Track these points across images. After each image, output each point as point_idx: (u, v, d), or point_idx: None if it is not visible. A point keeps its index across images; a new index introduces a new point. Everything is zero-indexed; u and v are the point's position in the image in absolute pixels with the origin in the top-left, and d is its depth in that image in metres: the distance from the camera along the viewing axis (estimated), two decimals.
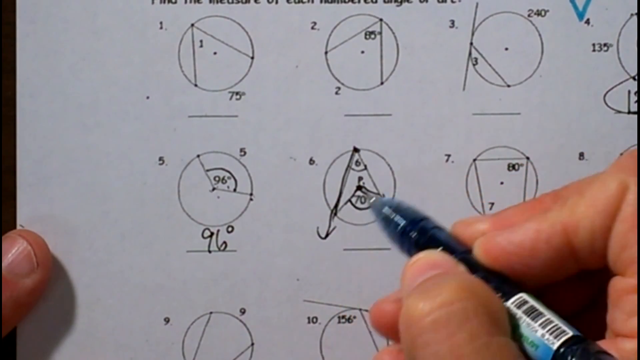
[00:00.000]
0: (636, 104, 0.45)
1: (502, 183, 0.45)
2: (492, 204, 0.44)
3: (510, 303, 0.35)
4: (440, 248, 0.37)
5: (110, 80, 0.44)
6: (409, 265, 0.37)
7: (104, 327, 0.44)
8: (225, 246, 0.44)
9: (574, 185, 0.37)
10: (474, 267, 0.36)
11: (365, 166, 0.44)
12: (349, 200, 0.44)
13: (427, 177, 0.44)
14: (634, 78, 0.45)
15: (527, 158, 0.44)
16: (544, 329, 0.34)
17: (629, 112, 0.45)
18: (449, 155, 0.44)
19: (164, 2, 0.44)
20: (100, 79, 0.44)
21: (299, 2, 0.44)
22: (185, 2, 0.44)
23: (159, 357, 0.44)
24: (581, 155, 0.44)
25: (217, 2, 0.44)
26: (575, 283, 0.36)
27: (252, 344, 0.44)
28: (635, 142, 0.44)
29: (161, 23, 0.44)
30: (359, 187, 0.44)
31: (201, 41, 0.44)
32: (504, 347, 0.33)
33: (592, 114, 0.44)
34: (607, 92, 0.44)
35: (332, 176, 0.44)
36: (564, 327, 0.34)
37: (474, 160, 0.44)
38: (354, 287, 0.44)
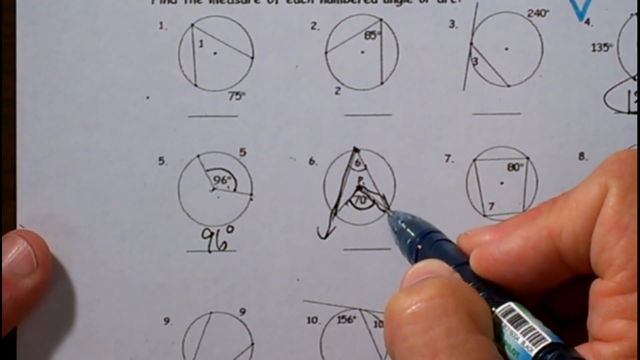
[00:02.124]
0: (636, 104, 0.45)
1: (502, 183, 0.45)
2: (492, 204, 0.44)
3: (497, 311, 0.36)
4: (440, 259, 0.38)
5: (110, 80, 0.44)
6: (408, 271, 0.38)
7: (104, 327, 0.44)
8: (225, 246, 0.44)
9: (567, 192, 0.37)
10: (467, 278, 0.37)
11: (365, 166, 0.44)
12: (349, 200, 0.44)
13: (427, 177, 0.44)
14: (634, 78, 0.45)
15: (527, 158, 0.44)
16: (524, 337, 0.35)
17: (629, 112, 0.45)
18: (449, 155, 0.44)
19: (164, 2, 0.44)
20: (100, 79, 0.44)
21: (299, 2, 0.44)
22: (185, 2, 0.44)
23: (159, 357, 0.44)
24: (581, 155, 0.44)
25: (217, 2, 0.44)
26: (578, 289, 0.36)
27: (252, 344, 0.44)
28: (635, 142, 0.44)
29: (161, 23, 0.44)
30: (359, 187, 0.44)
31: (201, 41, 0.44)
32: (481, 345, 0.34)
33: (592, 114, 0.44)
34: (607, 92, 0.44)
35: (332, 176, 0.44)
36: (544, 335, 0.35)
37: (474, 160, 0.44)
38: (354, 287, 0.44)
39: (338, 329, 0.44)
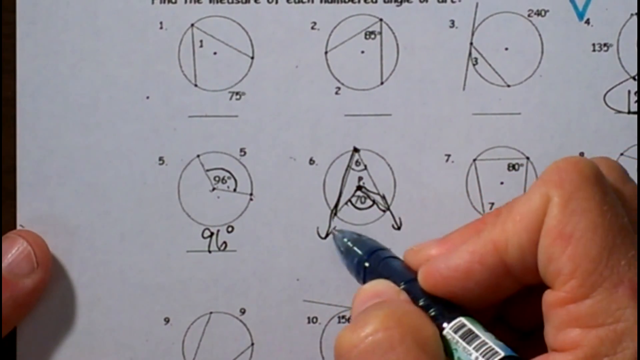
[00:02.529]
0: (636, 104, 0.45)
1: (502, 183, 0.45)
2: (492, 204, 0.44)
3: (448, 328, 0.35)
4: (388, 277, 0.38)
5: (110, 80, 0.44)
6: (356, 295, 0.38)
7: (104, 327, 0.44)
8: (225, 246, 0.44)
9: (509, 202, 0.37)
10: (417, 294, 0.37)
11: (365, 166, 0.44)
12: (349, 200, 0.44)
13: (427, 177, 0.44)
14: (634, 78, 0.45)
15: (527, 158, 0.44)
16: (477, 352, 0.35)
17: (629, 112, 0.45)
18: (449, 155, 0.44)
19: (164, 2, 0.44)
20: (100, 79, 0.44)
21: (299, 2, 0.44)
22: (185, 2, 0.44)
23: (159, 357, 0.44)
24: (581, 155, 0.44)
25: (217, 2, 0.44)
26: (533, 300, 0.36)
27: (252, 344, 0.44)
28: (635, 142, 0.44)
29: (161, 23, 0.44)
30: (359, 187, 0.44)
31: (201, 41, 0.44)
32: None
33: (592, 114, 0.44)
34: (607, 92, 0.44)
35: (332, 176, 0.44)
36: (497, 349, 0.34)
37: (474, 160, 0.44)
38: (354, 287, 0.44)
39: (338, 329, 0.44)
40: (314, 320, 0.44)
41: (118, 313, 0.44)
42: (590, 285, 0.33)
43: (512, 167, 0.44)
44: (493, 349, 0.34)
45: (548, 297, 0.34)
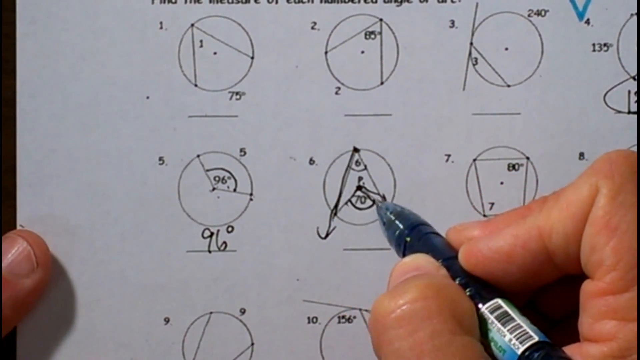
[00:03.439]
0: (636, 104, 0.45)
1: (502, 183, 0.45)
2: (492, 204, 0.44)
3: (484, 308, 0.36)
4: (428, 253, 0.38)
5: (110, 80, 0.44)
6: (395, 267, 0.38)
7: (104, 327, 0.44)
8: (225, 246, 0.44)
9: (556, 191, 0.37)
10: (456, 272, 0.37)
11: (365, 166, 0.44)
12: (349, 200, 0.44)
13: (427, 177, 0.44)
14: (634, 78, 0.45)
15: (527, 158, 0.44)
16: (511, 334, 0.35)
17: (629, 112, 0.45)
18: (449, 155, 0.44)
19: (164, 2, 0.44)
20: (100, 79, 0.44)
21: (299, 2, 0.44)
22: (185, 2, 0.44)
23: (159, 357, 0.44)
24: (581, 155, 0.44)
25: (217, 2, 0.44)
26: (567, 289, 0.36)
27: (252, 344, 0.44)
28: (635, 142, 0.44)
29: (161, 23, 0.44)
30: (359, 187, 0.44)
31: (201, 41, 0.44)
32: (466, 345, 0.34)
33: (592, 114, 0.44)
34: (607, 92, 0.44)
35: (332, 176, 0.44)
36: (532, 333, 0.35)
37: (474, 160, 0.44)
38: (354, 287, 0.44)
39: (338, 329, 0.44)
40: (314, 320, 0.44)
41: (118, 313, 0.44)
42: (631, 279, 0.33)
43: (512, 167, 0.44)
44: (527, 332, 0.35)
45: (587, 286, 0.34)
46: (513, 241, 0.36)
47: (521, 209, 0.39)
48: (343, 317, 0.44)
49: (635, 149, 0.44)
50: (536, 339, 0.34)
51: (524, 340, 0.34)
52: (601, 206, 0.34)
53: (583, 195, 0.35)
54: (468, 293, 0.36)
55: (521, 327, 0.35)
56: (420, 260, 0.38)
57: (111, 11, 0.44)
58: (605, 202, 0.34)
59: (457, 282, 0.37)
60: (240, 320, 0.44)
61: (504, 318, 0.35)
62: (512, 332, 0.35)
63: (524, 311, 0.36)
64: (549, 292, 0.38)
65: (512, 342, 0.34)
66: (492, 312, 0.36)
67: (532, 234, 0.36)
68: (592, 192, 0.34)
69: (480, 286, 0.37)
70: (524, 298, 0.38)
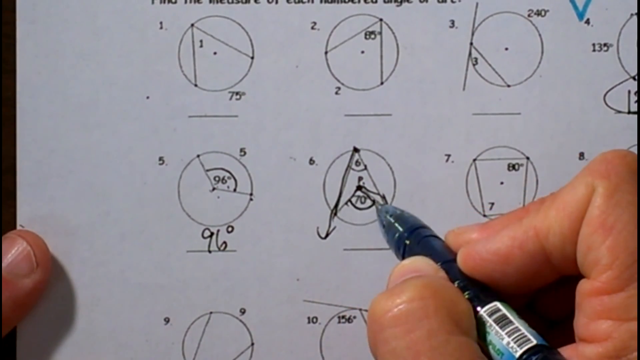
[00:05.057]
0: (636, 104, 0.45)
1: (502, 183, 0.45)
2: (492, 204, 0.44)
3: (483, 311, 0.36)
4: (427, 256, 0.38)
5: (110, 80, 0.44)
6: (394, 269, 0.38)
7: (104, 327, 0.44)
8: (225, 246, 0.44)
9: (554, 192, 0.37)
10: (455, 274, 0.37)
11: (365, 166, 0.44)
12: (349, 200, 0.44)
13: (427, 177, 0.44)
14: (634, 78, 0.45)
15: (527, 158, 0.44)
16: (509, 337, 0.35)
17: (629, 112, 0.45)
18: (449, 155, 0.44)
19: (164, 2, 0.44)
20: (100, 79, 0.44)
21: (299, 2, 0.44)
22: (185, 2, 0.44)
23: (159, 357, 0.44)
24: (581, 155, 0.44)
25: (217, 2, 0.44)
26: (565, 290, 0.36)
27: (252, 344, 0.44)
28: (635, 142, 0.44)
29: (161, 23, 0.44)
30: (359, 187, 0.44)
31: (201, 41, 0.44)
32: (463, 345, 0.34)
33: (592, 114, 0.44)
34: (607, 92, 0.44)
35: (332, 176, 0.44)
36: (529, 336, 0.35)
37: (474, 160, 0.44)
38: (354, 287, 0.44)
39: (338, 329, 0.44)
40: (314, 320, 0.44)
41: (118, 313, 0.44)
42: (626, 278, 0.33)
43: (512, 167, 0.44)
44: (526, 336, 0.35)
45: (583, 286, 0.34)
46: (510, 243, 0.36)
47: (519, 210, 0.39)
48: (343, 317, 0.44)
49: (635, 149, 0.44)
50: (534, 342, 0.34)
51: (522, 344, 0.34)
52: (597, 206, 0.34)
53: (579, 195, 0.35)
54: (467, 296, 0.36)
55: (519, 330, 0.35)
56: (419, 263, 0.38)
57: (111, 11, 0.44)
58: (601, 201, 0.34)
59: (455, 284, 0.37)
60: (240, 320, 0.44)
61: (502, 321, 0.35)
62: (510, 335, 0.35)
63: (523, 313, 0.36)
64: (548, 294, 0.38)
65: (510, 345, 0.34)
66: (490, 315, 0.36)
67: (529, 235, 0.36)
68: (588, 192, 0.34)
69: (478, 289, 0.37)
70: (522, 300, 0.38)
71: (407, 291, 0.35)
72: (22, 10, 0.43)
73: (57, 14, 0.43)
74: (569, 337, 0.35)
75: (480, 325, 0.36)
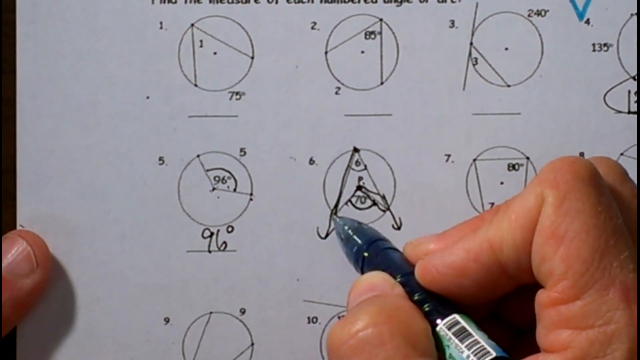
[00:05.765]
0: (636, 104, 0.45)
1: (502, 183, 0.45)
2: (492, 204, 0.44)
3: (442, 324, 0.36)
4: (386, 268, 0.39)
5: (110, 80, 0.44)
6: (352, 287, 0.38)
7: (104, 327, 0.44)
8: (225, 246, 0.44)
9: (507, 200, 0.37)
10: (413, 288, 0.37)
11: (365, 166, 0.44)
12: (349, 200, 0.44)
13: (427, 177, 0.44)
14: (634, 78, 0.45)
15: (527, 158, 0.44)
16: (469, 350, 0.35)
17: (629, 112, 0.45)
18: (449, 155, 0.44)
19: (164, 2, 0.44)
20: (100, 79, 0.44)
21: (299, 2, 0.44)
22: (185, 2, 0.44)
23: (159, 357, 0.44)
24: (581, 155, 0.44)
25: (217, 2, 0.44)
26: (529, 297, 0.36)
27: (252, 344, 0.44)
28: (635, 142, 0.44)
29: (161, 23, 0.44)
30: (359, 187, 0.44)
31: (201, 41, 0.44)
32: None
33: (592, 114, 0.44)
34: (607, 92, 0.44)
35: (332, 176, 0.44)
36: (489, 349, 0.35)
37: (474, 160, 0.44)
38: None
39: None
40: (314, 320, 0.44)
41: (118, 313, 0.44)
42: (581, 287, 0.33)
43: (512, 167, 0.44)
44: (485, 348, 0.35)
45: (540, 297, 0.34)
46: (465, 255, 0.36)
47: (474, 219, 0.39)
48: (343, 317, 0.44)
49: (635, 149, 0.44)
50: (493, 354, 0.34)
51: (481, 356, 0.34)
52: (547, 215, 0.34)
53: (529, 205, 0.34)
54: (426, 309, 0.36)
55: (479, 342, 0.35)
56: (375, 279, 0.38)
57: (111, 11, 0.44)
58: (551, 211, 0.34)
59: (415, 297, 0.37)
60: (240, 320, 0.44)
61: (462, 334, 0.35)
62: (470, 348, 0.35)
63: (489, 323, 0.36)
64: (511, 302, 0.38)
65: (470, 359, 0.34)
66: (449, 329, 0.36)
67: (484, 247, 0.36)
68: (538, 202, 0.34)
69: (437, 302, 0.37)
70: (485, 310, 0.38)
71: (362, 319, 0.35)
72: (22, 10, 0.43)
73: (57, 14, 0.43)
74: (536, 346, 0.35)
75: (440, 340, 0.36)
